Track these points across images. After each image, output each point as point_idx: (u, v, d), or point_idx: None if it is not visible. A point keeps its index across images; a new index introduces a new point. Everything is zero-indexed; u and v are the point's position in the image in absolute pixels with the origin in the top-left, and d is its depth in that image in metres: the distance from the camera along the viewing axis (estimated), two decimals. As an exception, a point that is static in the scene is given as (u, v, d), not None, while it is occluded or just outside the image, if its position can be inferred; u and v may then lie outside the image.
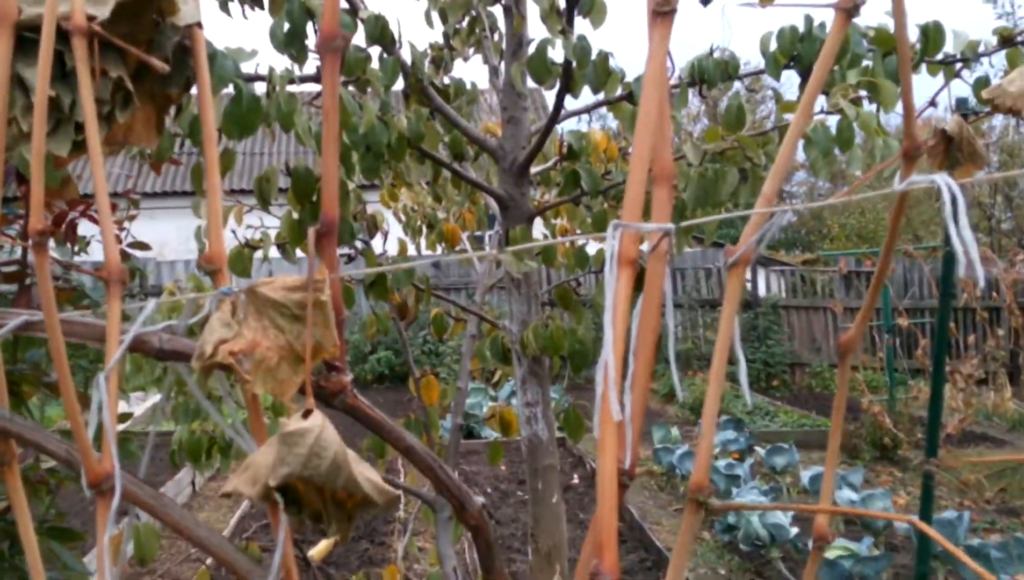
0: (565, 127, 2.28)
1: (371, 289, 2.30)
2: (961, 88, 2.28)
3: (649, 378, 0.75)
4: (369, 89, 2.05)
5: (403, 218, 3.63)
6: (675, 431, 8.95)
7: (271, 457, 0.70)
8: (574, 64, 1.85)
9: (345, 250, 2.69)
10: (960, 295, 10.01)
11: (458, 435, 2.78)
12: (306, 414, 0.71)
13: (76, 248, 2.58)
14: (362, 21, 2.02)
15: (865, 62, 2.02)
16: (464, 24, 2.44)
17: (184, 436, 3.24)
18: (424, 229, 3.57)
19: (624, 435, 0.70)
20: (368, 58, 2.05)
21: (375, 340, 13.90)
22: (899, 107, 2.00)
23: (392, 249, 2.95)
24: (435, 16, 2.34)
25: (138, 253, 2.85)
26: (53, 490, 2.45)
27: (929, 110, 1.95)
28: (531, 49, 1.99)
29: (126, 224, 2.98)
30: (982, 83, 2.02)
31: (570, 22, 1.97)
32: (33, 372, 2.32)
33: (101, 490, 0.70)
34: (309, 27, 1.88)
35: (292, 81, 2.02)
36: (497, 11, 2.39)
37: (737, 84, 2.04)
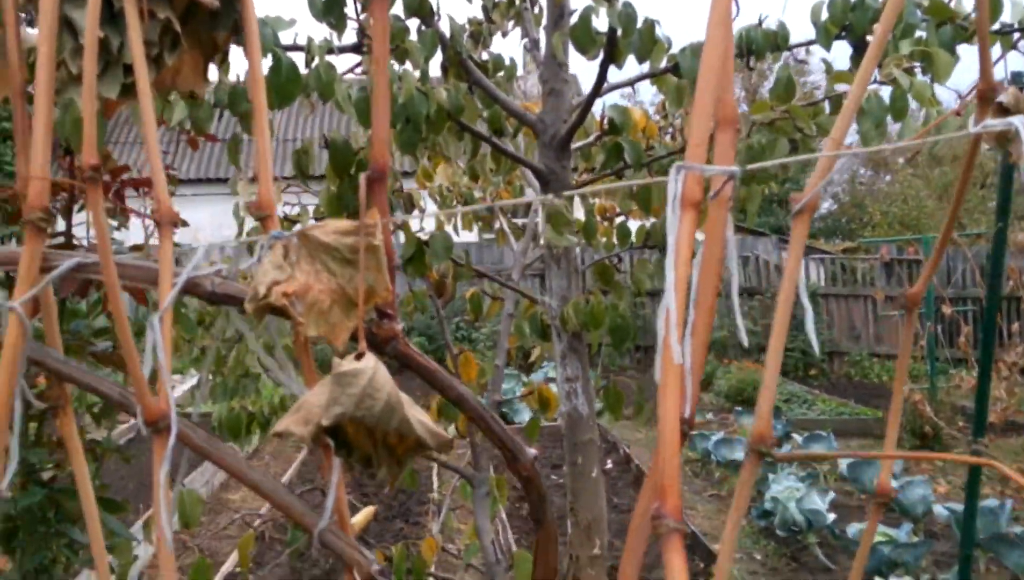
0: (606, 102, 2.26)
1: (409, 264, 2.29)
2: (1017, 61, 2.22)
3: (710, 327, 0.73)
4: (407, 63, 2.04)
5: (438, 199, 3.62)
6: (709, 416, 8.89)
7: (324, 397, 0.69)
8: (619, 32, 1.82)
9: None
10: (1006, 283, 9.82)
11: (496, 411, 2.78)
12: (358, 357, 0.70)
13: (117, 224, 2.59)
14: (399, -9, 2.00)
15: (918, 33, 1.98)
16: (504, -3, 2.42)
17: (223, 413, 3.26)
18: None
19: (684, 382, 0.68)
20: (406, 29, 2.04)
21: (408, 326, 13.91)
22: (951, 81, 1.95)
23: (429, 228, 2.95)
24: (475, -13, 2.33)
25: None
26: (99, 458, 2.48)
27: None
28: (574, 19, 1.97)
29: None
30: (1040, 54, 1.96)
31: (615, -11, 1.93)
32: (76, 342, 2.35)
33: (157, 428, 0.69)
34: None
35: (331, 51, 2.01)
36: (538, -19, 2.37)
37: (786, 55, 2.00)
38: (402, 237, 2.29)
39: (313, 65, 1.88)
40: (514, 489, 5.75)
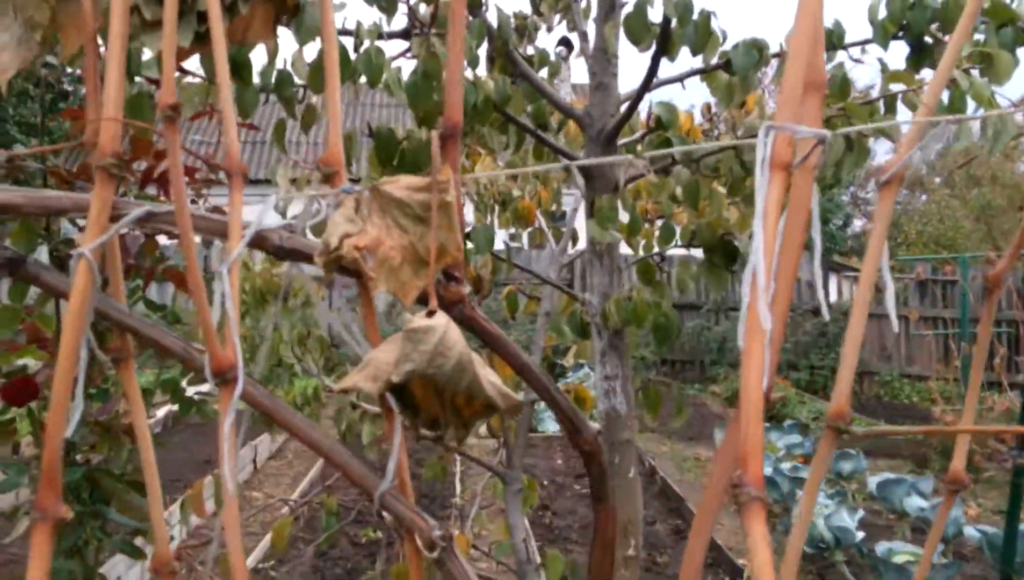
0: (652, 99, 2.23)
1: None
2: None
3: (790, 297, 0.71)
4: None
5: (475, 197, 3.61)
6: (738, 432, 8.80)
7: (394, 354, 0.67)
8: (673, 22, 1.80)
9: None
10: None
11: (530, 409, 2.75)
12: (429, 315, 0.69)
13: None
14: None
15: (977, 35, 1.94)
16: (554, -11, 2.40)
17: (257, 401, 3.27)
18: (497, 207, 3.54)
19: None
20: (456, 19, 2.02)
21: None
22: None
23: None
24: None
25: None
26: (134, 442, 2.48)
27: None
28: (626, 10, 1.95)
29: (204, 190, 3.01)
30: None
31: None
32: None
33: (225, 379, 0.68)
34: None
35: (380, 36, 2.01)
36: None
37: (841, 54, 1.96)
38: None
39: (362, 49, 1.87)
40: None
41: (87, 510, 2.22)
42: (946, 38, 1.95)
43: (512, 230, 3.56)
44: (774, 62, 2.09)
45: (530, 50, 2.45)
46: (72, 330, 0.69)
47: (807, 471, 6.52)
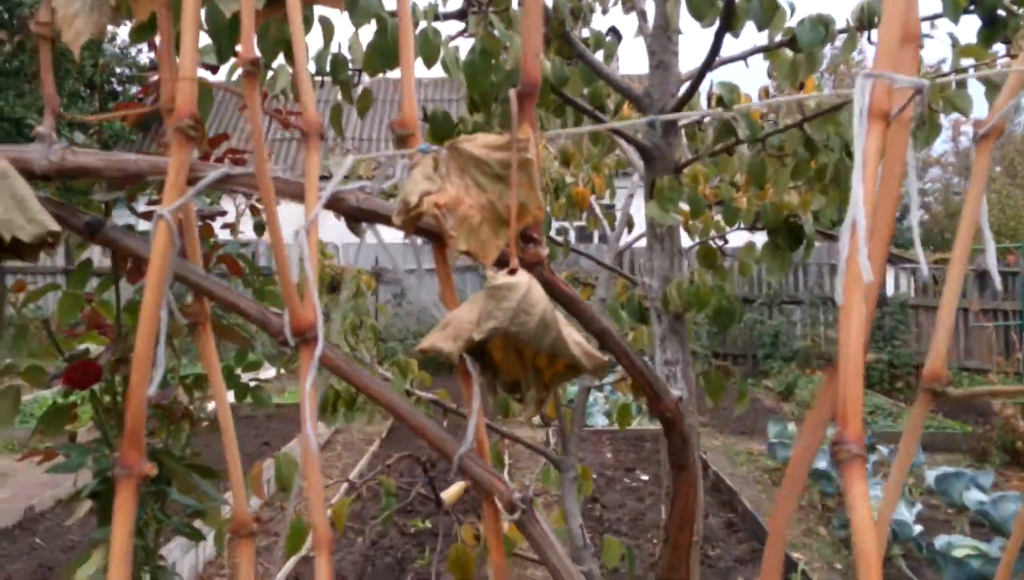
0: (713, 79, 2.19)
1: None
2: None
3: (886, 254, 0.68)
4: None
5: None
6: (791, 427, 8.69)
7: (475, 313, 0.66)
8: (739, -4, 1.76)
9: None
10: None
11: (585, 397, 2.73)
12: (510, 274, 0.67)
13: (209, 200, 2.62)
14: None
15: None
16: (612, -33, 2.37)
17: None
18: (549, 195, 3.52)
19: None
20: (510, -3, 2.00)
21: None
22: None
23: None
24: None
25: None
26: (193, 424, 2.50)
27: None
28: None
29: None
30: None
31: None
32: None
33: (305, 338, 0.68)
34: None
35: (437, 17, 2.00)
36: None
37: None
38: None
39: (418, 30, 1.86)
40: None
41: (150, 490, 2.25)
42: (1021, 11, 1.89)
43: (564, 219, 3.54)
44: (839, 39, 2.03)
45: (584, 32, 2.43)
46: (153, 290, 0.69)
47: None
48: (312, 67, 1.98)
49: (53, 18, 0.76)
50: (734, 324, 2.08)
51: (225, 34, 1.13)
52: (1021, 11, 1.88)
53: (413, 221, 0.68)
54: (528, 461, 8.55)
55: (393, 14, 1.89)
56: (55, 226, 0.68)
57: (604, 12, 2.54)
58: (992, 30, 1.91)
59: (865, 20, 1.88)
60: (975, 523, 6.24)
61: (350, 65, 1.94)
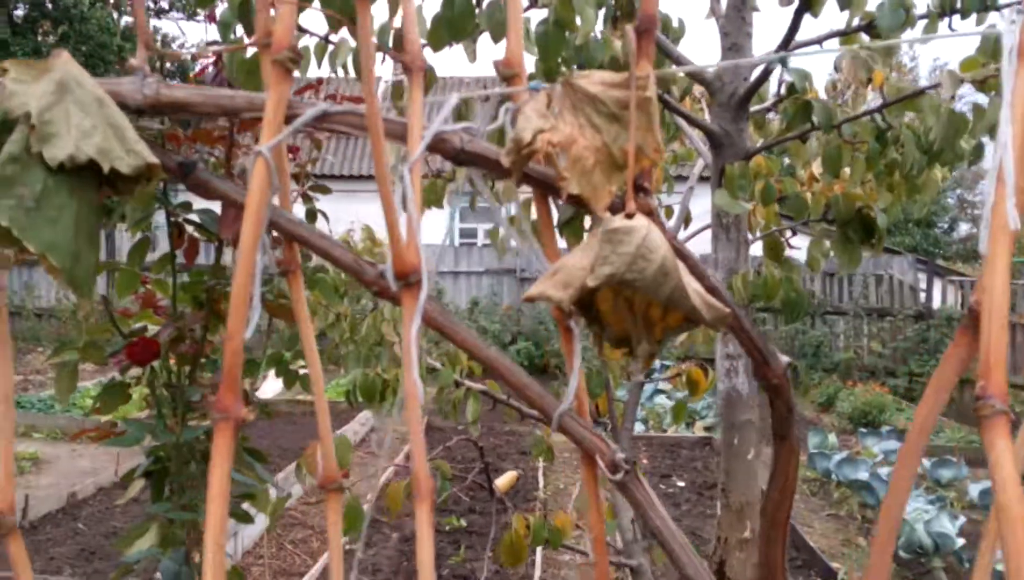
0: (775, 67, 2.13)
1: (567, 227, 2.22)
2: None
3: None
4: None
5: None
6: (832, 438, 8.55)
7: (588, 258, 0.63)
8: (820, -26, 1.71)
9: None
10: None
11: (639, 392, 2.69)
12: (627, 218, 0.64)
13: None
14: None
15: None
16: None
17: (360, 379, 3.29)
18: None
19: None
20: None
21: (515, 330, 13.91)
22: None
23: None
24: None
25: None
26: (249, 401, 2.49)
27: None
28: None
29: (308, 167, 3.02)
30: None
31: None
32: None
33: (408, 282, 0.64)
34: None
35: (503, -9, 1.96)
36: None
37: (994, 15, 1.84)
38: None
39: (486, 2, 1.83)
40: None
41: (205, 468, 2.24)
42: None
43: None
44: (920, 24, 1.97)
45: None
46: (250, 231, 0.66)
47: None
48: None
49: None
50: (802, 315, 2.02)
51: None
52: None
53: (524, 161, 0.65)
54: (561, 464, 8.51)
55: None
56: (154, 158, 0.65)
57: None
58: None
59: (947, 5, 1.82)
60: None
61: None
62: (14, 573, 0.69)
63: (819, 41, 1.99)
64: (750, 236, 2.17)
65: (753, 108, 2.15)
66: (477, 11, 1.83)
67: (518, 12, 0.73)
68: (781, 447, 0.77)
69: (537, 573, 5.42)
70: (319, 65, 2.14)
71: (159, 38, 18.19)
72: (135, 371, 2.42)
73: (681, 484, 7.71)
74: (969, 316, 0.60)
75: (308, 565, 5.49)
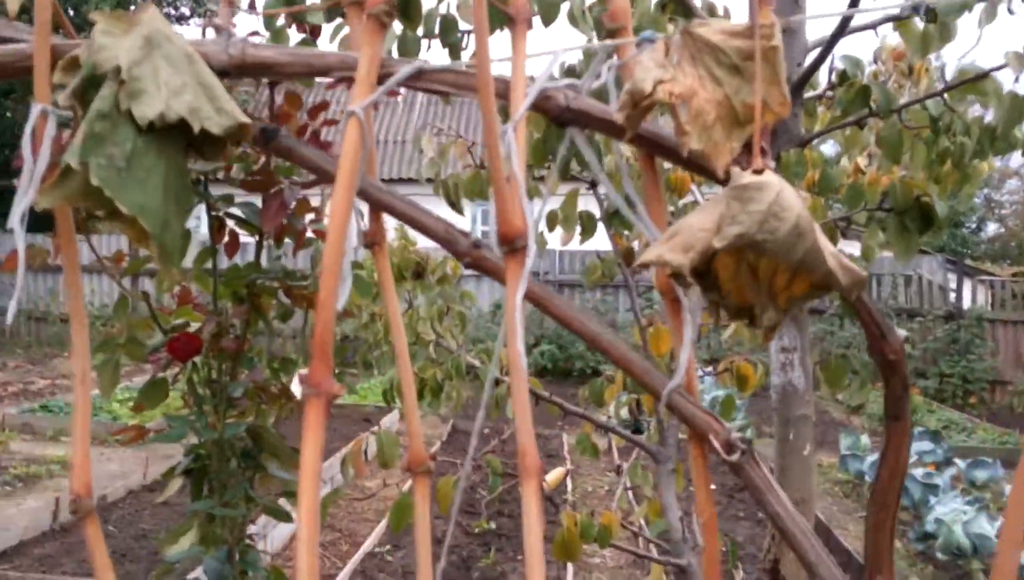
0: (835, 53, 2.07)
1: (613, 220, 2.18)
2: None
3: None
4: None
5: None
6: (864, 439, 8.44)
7: (712, 218, 0.58)
8: (881, -44, 1.66)
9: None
10: None
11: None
12: (756, 173, 0.59)
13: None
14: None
15: None
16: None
17: (395, 378, 3.25)
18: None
19: None
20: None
21: (538, 333, 13.84)
22: None
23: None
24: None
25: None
26: (283, 406, 2.46)
27: None
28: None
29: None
30: None
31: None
32: (269, 284, 2.32)
33: (513, 248, 0.60)
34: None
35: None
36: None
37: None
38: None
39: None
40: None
41: (249, 464, 2.22)
42: None
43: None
44: (978, 8, 1.91)
45: (698, 1, 2.33)
46: (343, 196, 0.62)
47: (940, 478, 6.25)
48: (420, 30, 1.92)
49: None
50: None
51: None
52: None
53: (641, 115, 0.60)
54: (590, 468, 8.45)
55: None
56: (245, 118, 0.61)
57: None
58: None
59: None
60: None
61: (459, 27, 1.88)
62: (91, 555, 0.66)
63: (873, 27, 1.94)
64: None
65: (806, 95, 2.09)
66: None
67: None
68: (893, 427, 0.72)
69: (569, 576, 5.37)
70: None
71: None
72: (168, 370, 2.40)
73: (712, 487, 7.62)
74: None
75: (338, 567, 5.47)
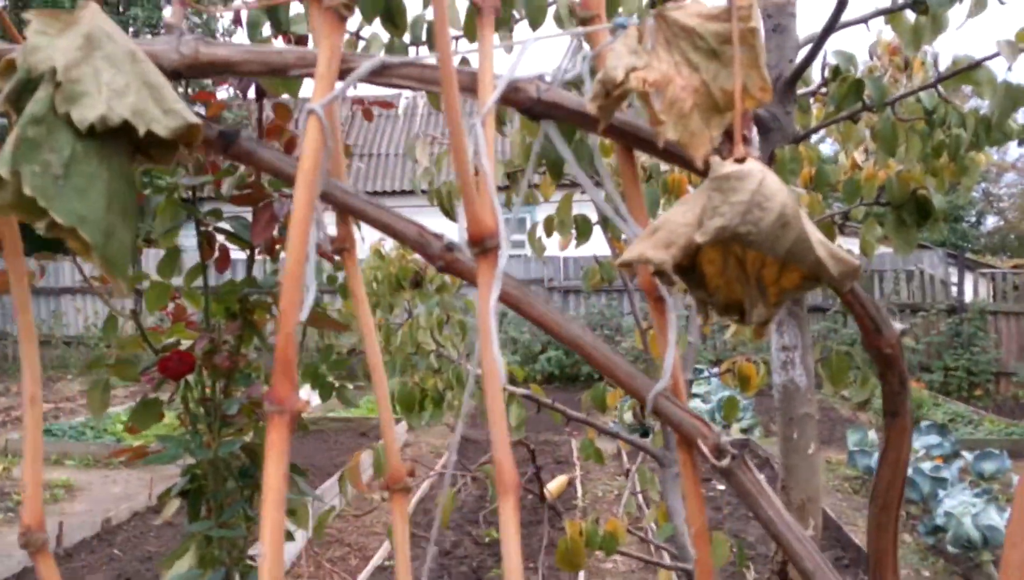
0: (827, 48, 2.04)
1: (609, 223, 2.15)
2: None
3: None
4: None
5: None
6: (872, 434, 8.39)
7: (693, 212, 0.54)
8: (870, -54, 1.63)
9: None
10: None
11: (687, 390, 2.59)
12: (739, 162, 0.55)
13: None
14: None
15: None
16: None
17: (398, 388, 3.22)
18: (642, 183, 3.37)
19: None
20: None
21: (545, 340, 13.81)
22: None
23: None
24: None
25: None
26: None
27: None
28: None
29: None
30: None
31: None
32: (270, 295, 2.30)
33: (484, 248, 0.57)
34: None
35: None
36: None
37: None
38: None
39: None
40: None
41: (247, 482, 2.18)
42: None
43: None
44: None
45: None
46: (304, 197, 0.59)
47: (948, 471, 6.20)
48: (407, 37, 1.89)
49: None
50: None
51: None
52: None
53: (613, 105, 0.57)
54: (599, 472, 8.40)
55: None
56: (194, 118, 0.58)
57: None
58: None
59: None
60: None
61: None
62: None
63: (864, 20, 1.90)
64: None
65: (799, 92, 2.06)
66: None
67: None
68: (893, 424, 0.68)
69: (580, 580, 5.32)
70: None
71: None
72: (162, 390, 2.36)
73: (721, 487, 7.58)
74: None
75: (347, 583, 5.42)
